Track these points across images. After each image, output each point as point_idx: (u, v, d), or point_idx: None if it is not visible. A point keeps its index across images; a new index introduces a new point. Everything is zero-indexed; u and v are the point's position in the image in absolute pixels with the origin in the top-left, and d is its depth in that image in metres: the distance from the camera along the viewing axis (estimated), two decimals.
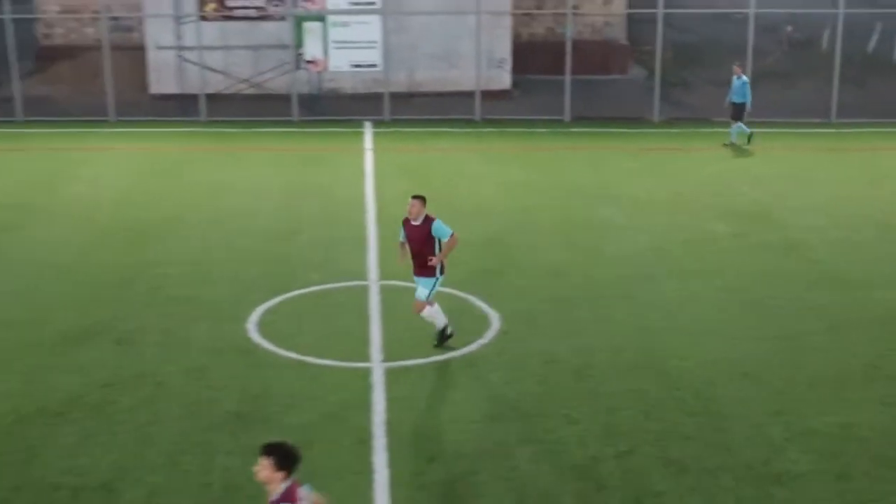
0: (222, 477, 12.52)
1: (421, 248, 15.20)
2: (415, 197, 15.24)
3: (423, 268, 15.30)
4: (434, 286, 15.50)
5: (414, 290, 15.72)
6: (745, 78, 29.18)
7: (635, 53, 37.91)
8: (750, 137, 29.14)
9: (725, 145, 29.22)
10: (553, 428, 13.57)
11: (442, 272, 15.50)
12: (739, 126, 29.24)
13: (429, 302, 15.54)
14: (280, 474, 8.29)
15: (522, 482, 12.30)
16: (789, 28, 41.52)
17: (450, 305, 17.55)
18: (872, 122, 31.53)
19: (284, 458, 8.33)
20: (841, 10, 32.32)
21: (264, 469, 8.29)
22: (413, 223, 15.22)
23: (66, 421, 13.73)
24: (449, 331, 15.77)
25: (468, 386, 14.79)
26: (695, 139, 29.64)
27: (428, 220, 15.10)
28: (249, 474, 12.34)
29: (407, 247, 15.61)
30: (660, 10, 31.85)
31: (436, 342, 15.72)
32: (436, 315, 15.65)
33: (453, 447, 13.08)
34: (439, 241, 15.20)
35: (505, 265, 19.58)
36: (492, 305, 17.54)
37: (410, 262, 15.64)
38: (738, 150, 28.74)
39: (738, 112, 29.20)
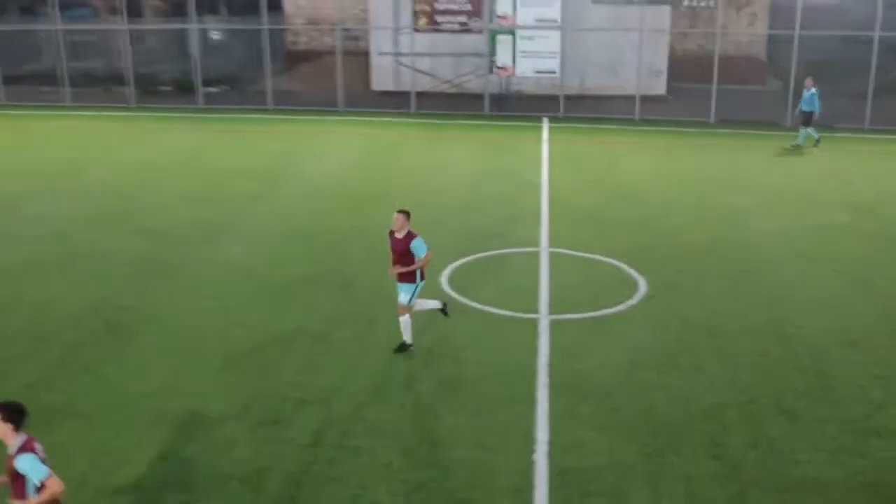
0: (415, 399, 12.92)
1: (401, 258, 13.89)
2: (399, 211, 14.01)
3: (402, 275, 13.96)
4: (415, 291, 14.09)
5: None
6: (814, 90, 28.06)
7: (773, 68, 36.94)
8: (817, 142, 28.08)
9: (793, 146, 28.28)
10: (686, 377, 13.54)
11: (422, 278, 14.14)
12: (808, 131, 28.19)
13: (410, 306, 14.17)
14: (9, 426, 8.08)
15: (658, 419, 12.34)
16: None
17: (606, 272, 17.61)
18: None
19: (12, 412, 8.18)
20: None
21: None
22: (396, 235, 13.93)
23: (293, 347, 14.34)
24: (408, 342, 14.20)
25: (618, 338, 14.80)
26: (824, 141, 28.71)
27: (410, 236, 13.82)
28: (439, 399, 12.78)
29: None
30: (796, 32, 31.09)
31: (397, 347, 14.20)
32: (406, 329, 14.14)
33: (602, 387, 13.17)
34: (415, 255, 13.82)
35: (653, 241, 19.43)
36: (641, 273, 17.48)
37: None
38: (852, 153, 27.79)
39: (807, 119, 28.12)
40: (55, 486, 8.08)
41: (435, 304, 14.85)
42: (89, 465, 11.25)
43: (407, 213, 14.00)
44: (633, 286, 16.93)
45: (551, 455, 11.43)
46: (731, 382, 13.38)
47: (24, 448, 8.10)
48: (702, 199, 22.46)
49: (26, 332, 14.96)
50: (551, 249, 18.83)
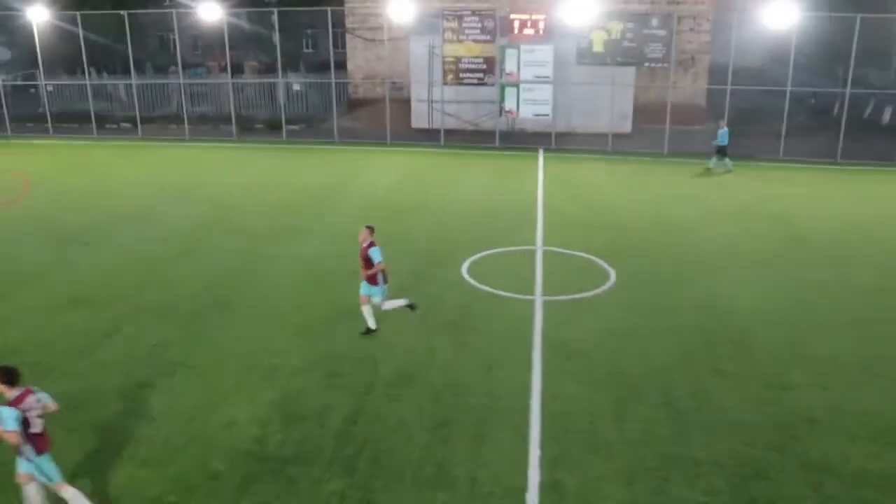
0: (441, 359, 12.88)
1: (363, 263, 13.22)
2: (366, 226, 13.45)
3: (367, 277, 13.26)
4: (381, 293, 13.49)
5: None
6: (726, 129, 27.73)
7: (711, 113, 36.66)
8: (730, 170, 27.56)
9: (707, 170, 27.72)
10: (644, 344, 13.49)
11: (385, 282, 13.47)
12: (724, 161, 27.64)
13: (382, 304, 13.64)
14: (4, 386, 8.04)
15: (623, 375, 12.30)
16: (812, 100, 39.67)
17: (586, 265, 17.49)
18: (866, 163, 29.69)
19: (5, 374, 8.08)
20: (847, 90, 30.57)
21: None
22: (362, 245, 13.30)
23: (350, 320, 14.01)
24: (371, 327, 13.64)
25: (594, 315, 14.71)
26: (749, 169, 28.36)
27: (370, 246, 13.19)
28: (459, 359, 12.73)
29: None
30: (728, 87, 30.77)
31: (363, 332, 13.62)
32: (368, 317, 13.60)
33: (582, 351, 13.12)
34: (371, 261, 13.22)
35: (621, 242, 19.26)
36: (612, 266, 17.35)
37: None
38: (770, 178, 27.42)
39: (720, 151, 27.68)
40: (7, 436, 8.01)
41: (402, 301, 14.14)
42: (198, 404, 11.33)
43: (371, 228, 13.43)
44: (606, 276, 16.80)
45: (543, 401, 11.42)
46: (678, 348, 13.28)
47: (13, 402, 8.04)
48: (657, 211, 22.25)
49: (156, 305, 15.05)
50: (545, 248, 18.72)
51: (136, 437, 10.47)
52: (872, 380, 12.29)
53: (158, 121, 36.96)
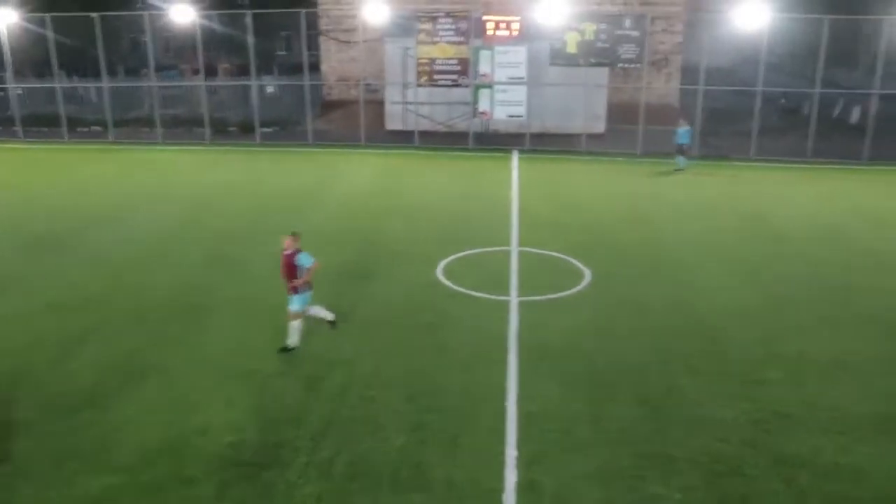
0: (418, 360, 12.85)
1: (287, 270, 12.63)
2: (292, 234, 12.74)
3: (296, 287, 12.65)
4: (304, 301, 12.83)
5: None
6: (687, 128, 28.14)
7: (683, 113, 36.96)
8: (686, 168, 27.99)
9: (676, 170, 27.98)
10: (619, 343, 13.54)
11: (310, 287, 12.86)
12: (682, 159, 28.09)
13: (302, 313, 12.90)
14: None
15: (599, 375, 12.34)
16: (783, 100, 40.12)
17: (561, 265, 17.54)
18: (835, 161, 30.07)
19: None
20: (817, 90, 30.94)
21: None
22: (285, 253, 12.61)
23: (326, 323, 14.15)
24: (290, 346, 12.94)
25: (569, 315, 14.73)
26: (722, 168, 28.62)
27: (296, 252, 12.58)
28: (435, 360, 12.71)
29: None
30: (701, 87, 31.06)
31: (281, 348, 12.93)
32: (294, 332, 12.89)
33: (557, 351, 13.14)
34: (301, 267, 12.58)
35: (595, 241, 19.34)
36: (586, 265, 17.41)
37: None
38: (741, 177, 27.70)
39: (681, 149, 28.11)
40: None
41: (327, 314, 13.49)
42: (173, 410, 11.22)
43: (296, 236, 12.77)
44: (581, 275, 16.86)
45: (519, 402, 11.42)
46: (652, 347, 13.35)
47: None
48: (630, 210, 22.37)
49: (129, 309, 14.88)
50: (520, 248, 18.74)
51: (109, 444, 10.35)
52: (844, 375, 12.43)
53: (131, 124, 36.63)
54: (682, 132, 28.13)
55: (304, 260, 12.62)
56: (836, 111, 39.20)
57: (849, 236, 20.35)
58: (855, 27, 38.76)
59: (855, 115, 37.88)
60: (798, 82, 38.51)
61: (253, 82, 35.31)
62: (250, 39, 33.59)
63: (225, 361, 12.68)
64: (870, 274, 17.28)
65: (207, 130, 34.51)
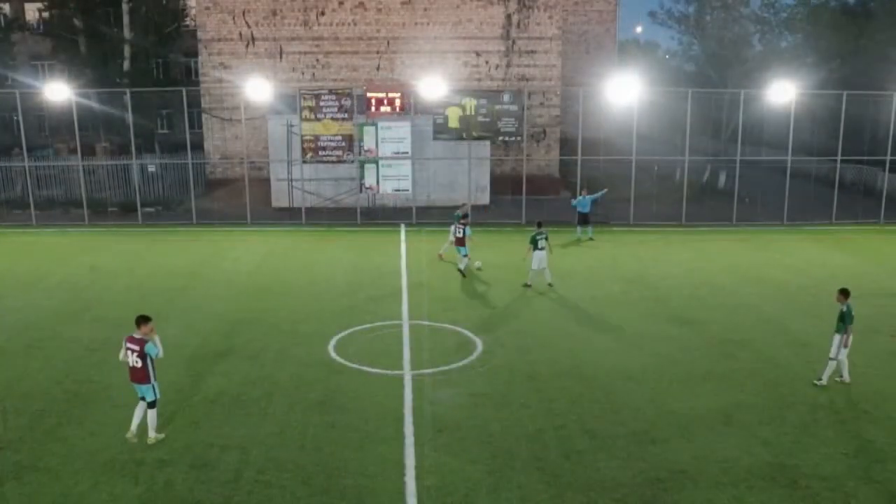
0: (312, 441, 12.52)
1: (138, 358, 12.06)
2: (145, 318, 12.12)
3: (140, 377, 12.14)
4: (153, 392, 12.27)
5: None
6: (588, 197, 29.09)
7: (564, 182, 38.29)
8: (591, 238, 28.84)
9: (578, 240, 28.82)
10: (514, 411, 13.62)
11: (154, 378, 12.23)
12: (585, 229, 28.97)
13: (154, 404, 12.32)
14: None
15: (496, 444, 12.34)
16: (656, 167, 42.09)
17: (452, 336, 17.59)
18: (707, 224, 31.70)
19: None
20: (686, 157, 32.71)
21: None
22: (135, 336, 12.09)
23: (216, 406, 13.79)
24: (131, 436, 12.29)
25: (463, 385, 14.75)
26: (603, 234, 29.65)
27: (145, 339, 12.06)
28: (330, 440, 12.40)
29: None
30: (579, 157, 32.28)
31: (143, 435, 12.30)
32: (151, 421, 12.34)
33: (453, 423, 13.10)
34: (149, 356, 12.08)
35: (485, 311, 19.54)
36: (477, 336, 17.55)
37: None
38: (622, 242, 28.79)
39: (583, 218, 28.99)
40: None
41: (152, 432, 12.38)
42: None
43: (146, 319, 12.13)
44: (473, 346, 16.95)
45: (418, 477, 11.28)
46: (547, 412, 13.47)
47: None
48: (516, 279, 22.71)
49: (1, 402, 13.90)
50: (411, 322, 18.72)
51: None
52: (729, 428, 12.88)
53: (2, 206, 34.94)
54: (581, 201, 28.89)
55: (151, 349, 12.07)
56: (705, 176, 41.48)
57: (727, 290, 21.34)
58: (717, 98, 41.46)
59: (722, 179, 40.17)
60: (670, 150, 40.62)
61: (134, 161, 34.44)
62: (130, 118, 32.87)
63: (106, 454, 11.98)
64: (748, 329, 18.10)
65: (86, 212, 33.28)
